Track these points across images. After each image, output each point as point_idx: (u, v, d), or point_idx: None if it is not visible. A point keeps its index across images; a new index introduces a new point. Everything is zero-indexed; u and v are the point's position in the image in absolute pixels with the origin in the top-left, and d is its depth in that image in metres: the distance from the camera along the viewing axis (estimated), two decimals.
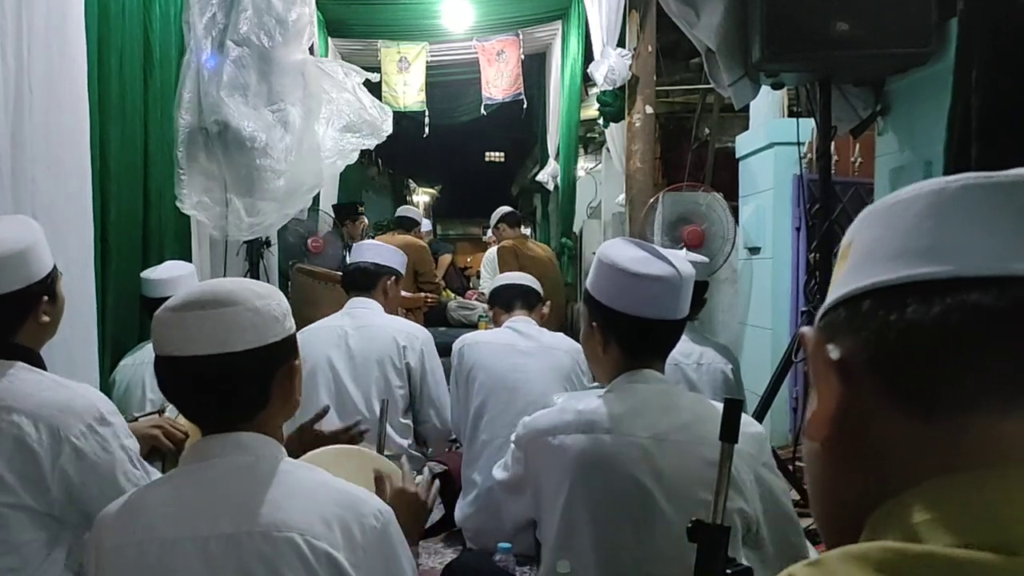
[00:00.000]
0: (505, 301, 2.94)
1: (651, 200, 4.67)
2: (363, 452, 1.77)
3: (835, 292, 0.54)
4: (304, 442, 1.76)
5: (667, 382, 1.60)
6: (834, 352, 0.52)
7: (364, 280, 2.89)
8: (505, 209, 5.90)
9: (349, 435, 1.86)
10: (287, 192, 3.51)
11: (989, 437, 0.46)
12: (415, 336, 2.79)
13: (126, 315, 2.86)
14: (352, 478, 1.23)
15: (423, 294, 5.24)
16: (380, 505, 1.19)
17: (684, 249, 4.23)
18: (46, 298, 1.59)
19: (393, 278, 2.93)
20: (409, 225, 6.05)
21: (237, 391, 1.19)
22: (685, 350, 2.50)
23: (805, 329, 0.56)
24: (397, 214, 6.47)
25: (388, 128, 4.62)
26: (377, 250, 2.99)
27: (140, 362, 2.72)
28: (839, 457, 0.53)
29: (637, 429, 1.51)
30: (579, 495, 1.54)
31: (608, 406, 1.55)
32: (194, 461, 1.20)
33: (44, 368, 1.59)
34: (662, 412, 1.52)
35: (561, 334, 2.88)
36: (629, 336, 1.56)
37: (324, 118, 4.09)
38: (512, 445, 1.71)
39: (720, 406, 1.10)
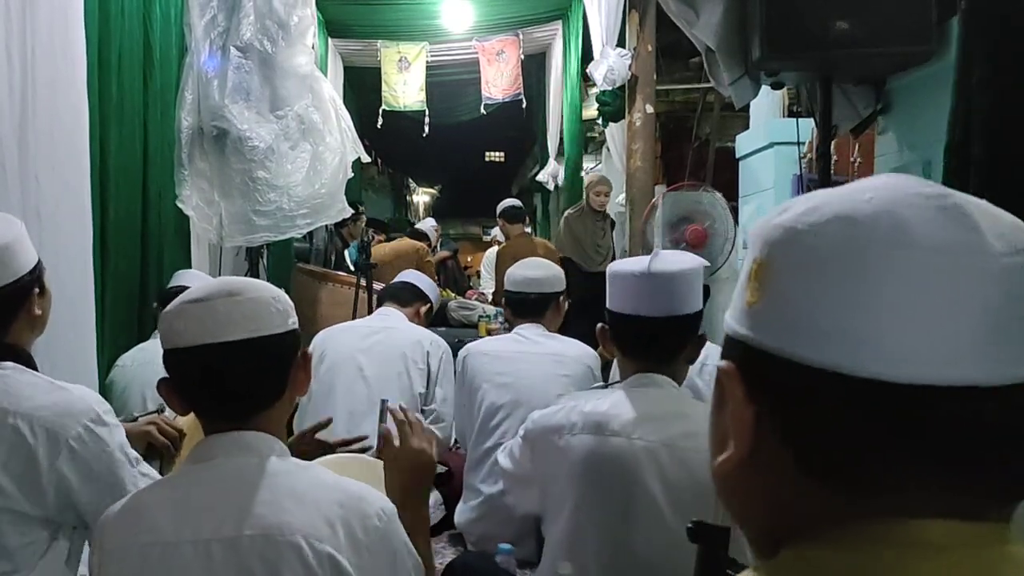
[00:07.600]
0: (513, 308, 2.86)
1: (652, 201, 4.66)
2: (366, 460, 1.76)
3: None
4: (302, 451, 1.73)
5: (678, 388, 1.60)
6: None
7: (407, 295, 3.09)
8: (506, 203, 5.79)
9: (349, 448, 1.86)
10: (279, 208, 3.49)
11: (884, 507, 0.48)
12: (439, 345, 2.91)
13: (124, 315, 2.85)
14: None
15: None
16: (384, 504, 1.18)
17: (686, 248, 4.22)
18: (37, 290, 1.58)
19: (428, 306, 3.15)
20: (419, 237, 6.40)
21: (264, 376, 1.20)
22: None
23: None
24: (418, 226, 7.09)
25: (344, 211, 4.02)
26: (431, 285, 3.25)
27: (139, 363, 2.70)
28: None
29: (647, 433, 1.49)
30: (586, 497, 1.53)
31: (617, 408, 1.54)
32: (197, 461, 1.18)
33: (35, 369, 1.57)
34: (673, 418, 1.51)
35: (575, 340, 2.77)
36: (618, 331, 1.61)
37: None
38: (520, 438, 1.71)
39: None
